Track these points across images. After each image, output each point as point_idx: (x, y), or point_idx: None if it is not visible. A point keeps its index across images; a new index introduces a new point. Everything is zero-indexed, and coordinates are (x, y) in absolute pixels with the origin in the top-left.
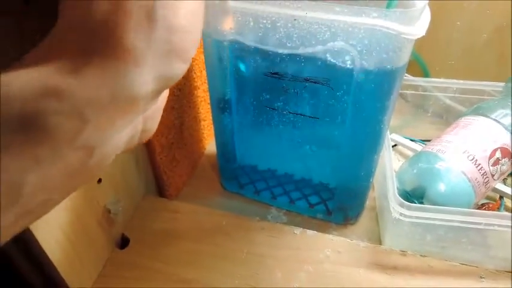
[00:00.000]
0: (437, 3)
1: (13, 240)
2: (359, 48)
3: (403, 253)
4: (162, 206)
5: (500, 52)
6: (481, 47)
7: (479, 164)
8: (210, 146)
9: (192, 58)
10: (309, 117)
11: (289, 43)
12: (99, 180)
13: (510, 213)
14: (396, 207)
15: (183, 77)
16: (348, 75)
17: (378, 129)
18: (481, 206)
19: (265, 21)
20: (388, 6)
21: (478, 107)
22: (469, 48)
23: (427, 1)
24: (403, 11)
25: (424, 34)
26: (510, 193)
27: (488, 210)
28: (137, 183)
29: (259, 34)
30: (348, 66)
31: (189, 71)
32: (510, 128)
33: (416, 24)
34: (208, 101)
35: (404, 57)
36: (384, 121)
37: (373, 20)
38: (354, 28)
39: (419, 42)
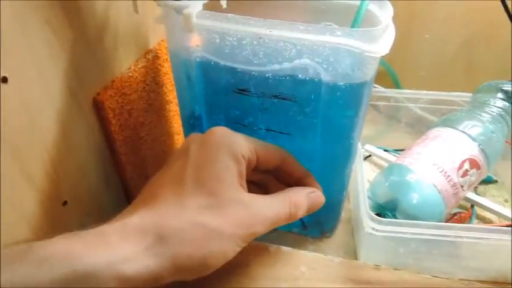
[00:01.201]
0: (407, 17)
1: None
2: (324, 66)
3: (377, 267)
4: None
5: (468, 63)
6: (449, 58)
7: (449, 176)
8: None
9: (163, 72)
10: (280, 133)
11: (255, 60)
12: (65, 202)
13: (478, 225)
14: (368, 222)
15: (154, 92)
16: (315, 91)
17: (347, 143)
18: (453, 216)
19: (231, 39)
20: (353, 25)
21: (446, 119)
22: (438, 59)
23: (390, 20)
24: (366, 30)
25: (387, 52)
26: (480, 202)
27: (460, 219)
28: (107, 202)
29: (226, 51)
30: (315, 82)
31: (160, 85)
32: (477, 139)
33: (379, 42)
34: None
35: (370, 73)
36: (353, 136)
37: (337, 38)
38: (318, 46)
39: (391, 54)
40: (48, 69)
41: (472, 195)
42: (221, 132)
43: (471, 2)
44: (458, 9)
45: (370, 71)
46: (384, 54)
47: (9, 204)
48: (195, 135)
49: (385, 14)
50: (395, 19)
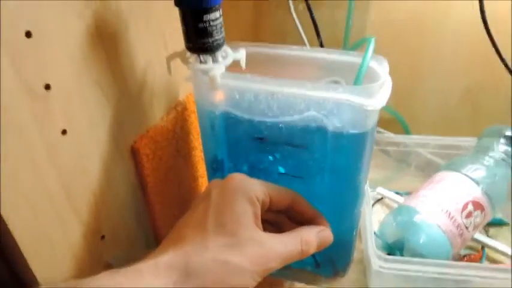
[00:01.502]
0: (413, 66)
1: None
2: (329, 117)
3: None
4: None
5: (472, 109)
6: (454, 105)
7: (453, 217)
8: None
9: (190, 122)
10: (292, 176)
11: (270, 113)
12: (103, 237)
13: (484, 264)
14: (376, 260)
15: (181, 139)
16: (322, 139)
17: (354, 186)
18: (463, 257)
19: (249, 95)
20: (355, 82)
21: (451, 163)
22: (444, 106)
23: (387, 76)
24: (364, 87)
25: (384, 105)
26: (489, 243)
27: (470, 260)
28: (138, 239)
29: (245, 105)
30: (322, 132)
31: (187, 133)
32: (481, 182)
33: (376, 97)
34: None
35: (370, 123)
36: (359, 179)
37: (339, 94)
38: (324, 101)
39: (399, 102)
40: (97, 122)
41: (481, 237)
42: (239, 179)
43: (472, 54)
44: (460, 59)
45: (370, 122)
46: (380, 107)
47: (59, 236)
48: (216, 181)
49: (383, 70)
50: (402, 68)
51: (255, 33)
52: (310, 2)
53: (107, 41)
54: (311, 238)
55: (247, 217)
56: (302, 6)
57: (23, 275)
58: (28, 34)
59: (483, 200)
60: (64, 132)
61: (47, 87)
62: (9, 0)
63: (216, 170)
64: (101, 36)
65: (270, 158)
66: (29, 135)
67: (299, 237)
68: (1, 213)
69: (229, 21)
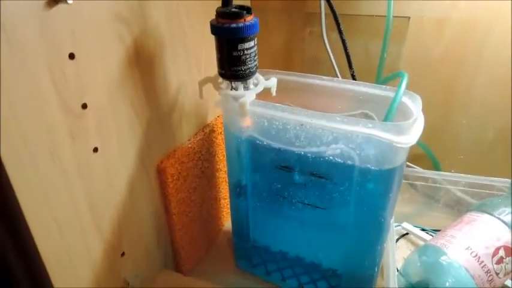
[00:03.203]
0: (446, 102)
1: None
2: (357, 152)
3: None
4: (178, 281)
5: (506, 149)
6: (488, 143)
7: (482, 261)
8: (228, 222)
9: (216, 144)
10: (316, 207)
11: (297, 143)
12: (123, 254)
13: None
14: None
15: (207, 161)
16: (349, 173)
17: (379, 221)
18: None
19: (277, 123)
20: (386, 118)
21: (483, 204)
22: (477, 144)
23: (420, 113)
24: (396, 124)
25: (414, 143)
26: None
27: None
28: (156, 258)
29: (272, 133)
30: (348, 165)
31: (213, 155)
32: None
33: (408, 134)
34: None
35: (399, 160)
36: (384, 215)
37: (368, 129)
38: (352, 134)
39: (430, 137)
40: (127, 141)
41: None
42: None
43: (508, 92)
44: (493, 96)
45: (399, 158)
46: (411, 145)
47: (81, 251)
48: None
49: (416, 107)
50: (435, 103)
51: (286, 62)
52: (344, 32)
53: (143, 63)
54: None
55: None
56: (335, 34)
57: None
58: (71, 56)
59: None
60: (95, 150)
61: (84, 106)
62: (56, 22)
63: (239, 194)
64: (138, 58)
65: (294, 187)
66: (63, 150)
67: None
68: (29, 226)
69: (261, 49)
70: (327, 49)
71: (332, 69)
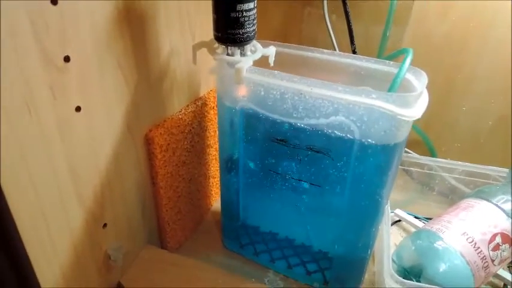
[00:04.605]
0: (445, 88)
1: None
2: (358, 124)
3: None
4: (162, 258)
5: (504, 139)
6: (486, 133)
7: (479, 247)
8: (217, 203)
9: (208, 119)
10: (310, 184)
11: (295, 114)
12: (105, 225)
13: None
14: (390, 282)
15: (197, 135)
16: (348, 147)
17: (375, 202)
18: None
19: (275, 92)
20: (390, 89)
21: (481, 191)
22: (474, 132)
23: (425, 88)
24: (400, 95)
25: (419, 117)
26: None
27: None
28: (140, 232)
29: (269, 103)
30: (348, 139)
31: (204, 130)
32: (510, 214)
33: (412, 107)
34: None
35: (402, 136)
36: (381, 194)
37: (372, 100)
38: (354, 105)
39: (427, 123)
40: (112, 104)
41: (505, 274)
42: None
43: (508, 76)
44: (495, 85)
45: (402, 134)
46: (416, 118)
47: (59, 219)
48: None
49: (420, 83)
50: (434, 89)
51: (283, 38)
52: (345, 13)
53: (134, 23)
54: None
55: None
56: (335, 16)
57: (17, 255)
58: (54, 1)
59: None
60: (78, 109)
61: (67, 59)
62: None
63: (231, 169)
64: (128, 16)
65: (289, 162)
66: (42, 105)
67: None
68: (1, 182)
69: (258, 24)
70: (327, 26)
71: (331, 47)
